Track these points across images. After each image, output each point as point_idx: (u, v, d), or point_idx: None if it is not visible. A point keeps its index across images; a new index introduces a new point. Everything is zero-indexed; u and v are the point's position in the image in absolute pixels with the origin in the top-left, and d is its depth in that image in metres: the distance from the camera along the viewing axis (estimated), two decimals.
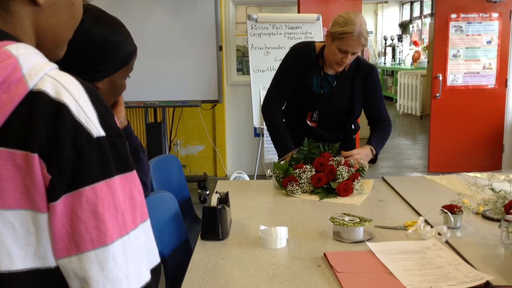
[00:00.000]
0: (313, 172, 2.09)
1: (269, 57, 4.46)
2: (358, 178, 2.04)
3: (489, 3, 5.07)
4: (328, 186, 2.04)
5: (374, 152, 2.29)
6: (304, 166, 2.10)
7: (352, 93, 2.35)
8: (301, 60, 2.35)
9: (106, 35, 1.17)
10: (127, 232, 0.67)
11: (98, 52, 1.16)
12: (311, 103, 2.39)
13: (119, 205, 0.66)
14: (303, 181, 2.07)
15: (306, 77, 2.34)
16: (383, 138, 2.40)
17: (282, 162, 2.20)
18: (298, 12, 4.90)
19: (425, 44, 10.30)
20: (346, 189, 2.01)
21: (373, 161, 2.33)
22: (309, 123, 2.42)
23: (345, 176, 2.05)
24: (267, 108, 2.44)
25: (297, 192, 2.05)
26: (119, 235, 0.65)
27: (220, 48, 4.55)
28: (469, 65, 5.20)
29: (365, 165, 2.18)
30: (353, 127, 2.51)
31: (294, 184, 2.06)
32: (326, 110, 2.38)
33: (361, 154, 2.24)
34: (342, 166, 2.08)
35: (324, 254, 1.42)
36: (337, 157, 2.13)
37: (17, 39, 0.69)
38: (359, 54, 2.31)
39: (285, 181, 2.08)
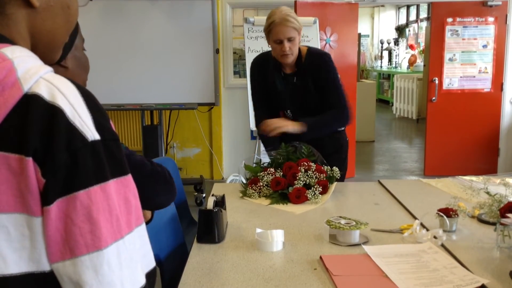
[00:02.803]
0: (277, 175, 2.06)
1: None
2: (316, 186, 1.98)
3: (485, 7, 5.10)
4: (284, 191, 2.00)
5: (304, 127, 2.26)
6: (268, 170, 2.09)
7: (310, 87, 2.35)
8: (259, 69, 2.46)
9: None
10: (122, 236, 0.66)
11: None
12: (279, 102, 2.44)
13: (114, 209, 0.66)
14: (262, 183, 2.05)
15: (269, 80, 2.41)
16: (321, 119, 2.34)
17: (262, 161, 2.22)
18: None
19: (421, 48, 10.35)
20: (298, 196, 1.96)
21: (303, 134, 2.27)
22: None
23: (302, 182, 1.99)
24: (255, 122, 2.57)
25: (254, 196, 2.04)
26: (114, 239, 0.65)
27: (217, 51, 4.56)
28: (465, 69, 5.22)
29: (336, 171, 2.12)
30: None
31: (254, 187, 2.06)
32: (294, 107, 2.42)
33: (290, 124, 2.26)
34: (311, 172, 2.02)
35: (320, 257, 1.41)
36: (312, 163, 2.06)
37: (13, 42, 0.69)
38: (303, 45, 2.36)
39: (250, 182, 2.10)
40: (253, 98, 2.57)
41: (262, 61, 2.47)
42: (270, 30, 2.25)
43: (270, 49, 2.40)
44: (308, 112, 2.38)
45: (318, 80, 2.34)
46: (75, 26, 1.21)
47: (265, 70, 2.43)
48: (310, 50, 2.38)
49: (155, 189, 1.31)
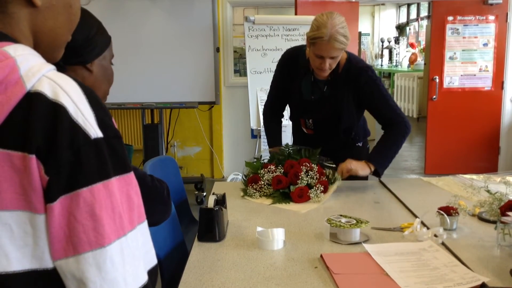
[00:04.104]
0: (277, 173, 2.04)
1: (266, 59, 4.47)
2: (317, 186, 1.97)
3: (485, 6, 5.09)
4: (286, 190, 1.99)
5: (372, 168, 2.14)
6: (269, 167, 2.06)
7: (343, 100, 2.21)
8: (290, 66, 2.29)
9: (86, 16, 1.21)
10: (125, 233, 0.67)
11: (83, 30, 1.18)
12: (302, 109, 2.31)
13: (116, 206, 0.66)
14: (263, 182, 2.03)
15: (296, 82, 2.27)
16: (388, 148, 2.21)
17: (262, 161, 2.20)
18: (295, 14, 4.91)
19: (422, 46, 10.33)
20: (300, 195, 1.95)
21: (377, 174, 2.18)
22: (304, 130, 2.36)
23: (305, 181, 1.98)
24: (263, 113, 2.51)
25: (255, 195, 2.02)
26: (117, 236, 0.65)
27: (218, 50, 4.56)
28: (466, 67, 5.21)
29: (337, 177, 2.10)
30: (354, 136, 2.33)
31: (255, 186, 2.04)
32: (318, 117, 2.28)
33: (355, 165, 2.11)
34: (313, 172, 2.01)
35: (321, 256, 1.42)
36: (313, 164, 2.05)
37: (15, 40, 0.69)
38: (356, 55, 2.26)
39: (250, 180, 2.08)
40: (270, 88, 2.43)
41: (293, 57, 2.28)
42: (315, 43, 2.03)
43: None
44: (330, 126, 2.27)
45: (360, 95, 2.19)
46: (108, 39, 1.26)
47: (295, 69, 2.27)
48: (350, 60, 2.18)
49: (150, 209, 1.30)
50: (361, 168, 2.12)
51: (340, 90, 2.20)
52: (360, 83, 2.16)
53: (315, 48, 2.05)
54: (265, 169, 2.08)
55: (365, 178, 2.36)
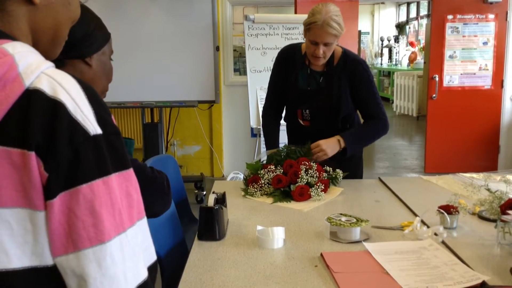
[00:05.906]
0: (277, 173, 2.05)
1: (266, 58, 4.47)
2: (318, 184, 1.98)
3: (485, 4, 5.09)
4: (286, 188, 2.00)
5: (342, 144, 2.19)
6: (269, 167, 2.08)
7: (339, 90, 2.28)
8: (286, 61, 2.36)
9: (85, 11, 1.22)
10: (124, 229, 0.67)
11: (82, 25, 1.18)
12: (298, 100, 2.35)
13: (116, 202, 0.66)
14: (263, 181, 2.04)
15: (293, 75, 2.33)
16: (363, 132, 2.31)
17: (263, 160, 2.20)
18: (295, 12, 4.90)
19: (421, 45, 10.33)
20: (301, 193, 1.96)
21: (344, 153, 2.21)
22: (301, 122, 2.38)
23: (305, 180, 1.99)
24: (262, 116, 2.54)
25: (256, 194, 2.03)
26: (117, 232, 0.66)
27: (217, 49, 4.55)
28: (465, 66, 5.21)
29: (338, 172, 2.13)
30: (350, 128, 2.37)
31: (255, 185, 2.04)
32: (315, 107, 2.33)
33: (327, 144, 2.15)
34: (312, 170, 2.02)
35: (321, 254, 1.42)
36: (312, 162, 2.07)
37: (14, 38, 0.69)
38: (354, 50, 2.30)
39: (250, 180, 2.08)
40: (268, 88, 2.49)
41: (289, 53, 2.36)
42: (309, 29, 2.14)
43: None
44: (326, 116, 2.32)
45: (353, 86, 2.26)
46: (107, 35, 1.26)
47: (291, 63, 2.34)
48: (346, 54, 2.29)
49: (151, 199, 1.30)
50: (332, 148, 2.17)
51: (335, 81, 2.27)
52: (356, 74, 2.26)
53: (310, 34, 2.15)
54: (265, 170, 2.08)
55: (360, 176, 2.40)
